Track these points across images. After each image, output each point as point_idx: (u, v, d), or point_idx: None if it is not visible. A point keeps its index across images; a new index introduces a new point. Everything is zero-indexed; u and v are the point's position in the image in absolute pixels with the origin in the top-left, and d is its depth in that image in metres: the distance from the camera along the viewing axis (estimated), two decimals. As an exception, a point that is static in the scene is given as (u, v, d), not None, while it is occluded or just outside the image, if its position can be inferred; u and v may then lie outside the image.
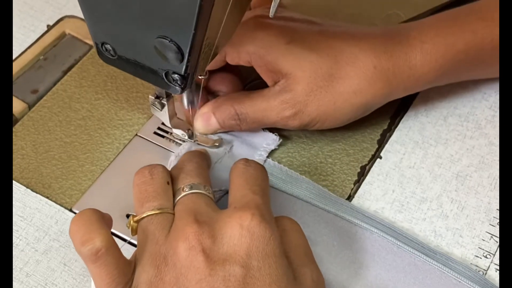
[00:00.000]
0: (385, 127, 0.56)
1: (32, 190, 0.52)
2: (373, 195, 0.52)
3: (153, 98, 0.51)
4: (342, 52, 0.50)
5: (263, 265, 0.39)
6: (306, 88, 0.49)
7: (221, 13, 0.42)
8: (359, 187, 0.53)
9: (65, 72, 0.60)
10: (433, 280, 0.46)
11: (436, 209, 0.51)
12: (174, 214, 0.43)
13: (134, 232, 0.44)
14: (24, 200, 0.52)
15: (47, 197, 0.52)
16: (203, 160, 0.49)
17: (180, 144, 0.54)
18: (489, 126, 0.56)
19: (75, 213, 0.51)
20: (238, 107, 0.51)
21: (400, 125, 0.56)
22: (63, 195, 0.52)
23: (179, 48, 0.42)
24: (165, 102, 0.51)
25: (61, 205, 0.51)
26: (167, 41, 0.41)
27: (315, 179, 0.53)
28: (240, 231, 0.39)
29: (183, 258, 0.39)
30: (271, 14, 0.45)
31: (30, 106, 0.58)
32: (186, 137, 0.53)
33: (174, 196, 0.44)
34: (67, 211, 0.51)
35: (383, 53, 0.50)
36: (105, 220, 0.41)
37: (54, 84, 0.59)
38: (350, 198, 0.52)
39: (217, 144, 0.52)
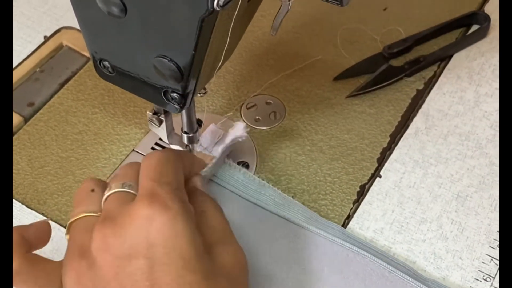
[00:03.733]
0: (385, 145, 0.56)
1: (27, 206, 0.51)
2: (372, 215, 0.51)
3: (151, 114, 0.51)
4: None
5: (171, 250, 0.38)
6: None
7: (223, 33, 0.41)
8: (358, 206, 0.52)
9: (62, 85, 0.60)
10: None
11: (436, 230, 0.51)
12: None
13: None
14: (18, 217, 0.51)
15: (42, 214, 0.51)
16: (136, 164, 0.46)
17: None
18: (490, 146, 0.55)
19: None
20: None
21: (400, 143, 0.56)
22: (59, 211, 0.51)
23: (178, 67, 0.41)
24: (163, 118, 0.51)
25: (57, 222, 0.51)
26: (167, 60, 0.41)
27: (314, 198, 0.52)
28: (140, 222, 0.39)
29: (95, 259, 0.39)
30: (272, 32, 0.45)
31: (26, 120, 0.57)
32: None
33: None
34: (62, 229, 0.50)
35: None
36: (25, 238, 0.41)
37: (51, 97, 0.59)
38: (349, 217, 0.51)
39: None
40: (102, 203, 0.43)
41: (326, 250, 0.48)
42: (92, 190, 0.44)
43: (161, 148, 0.55)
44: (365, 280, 0.47)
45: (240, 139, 0.53)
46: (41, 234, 0.43)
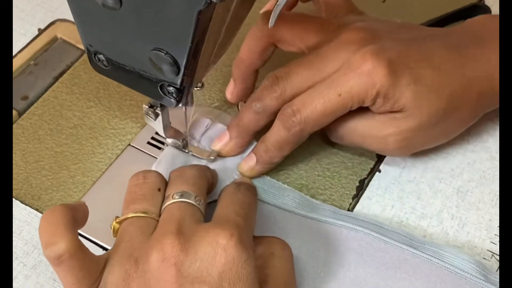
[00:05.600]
0: (385, 139, 0.55)
1: (21, 201, 0.51)
2: (372, 210, 0.51)
3: (147, 107, 0.50)
4: (454, 86, 0.48)
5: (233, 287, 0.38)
6: (419, 126, 0.48)
7: (220, 25, 0.41)
8: (357, 201, 0.51)
9: (56, 78, 0.59)
10: (424, 272, 0.46)
11: (437, 226, 0.50)
12: (158, 220, 0.42)
13: (115, 233, 0.43)
14: (13, 212, 0.50)
15: (37, 209, 0.50)
16: (205, 171, 0.47)
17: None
18: (491, 140, 0.55)
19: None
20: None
21: (400, 137, 0.55)
22: (53, 207, 0.51)
23: (175, 60, 0.40)
24: (159, 112, 0.50)
25: (51, 218, 0.50)
26: (163, 53, 0.40)
27: (312, 193, 0.52)
28: (215, 249, 0.38)
29: (154, 269, 0.38)
30: (270, 24, 0.44)
31: (20, 114, 0.56)
32: (181, 147, 0.52)
33: (163, 202, 0.43)
34: (57, 225, 0.49)
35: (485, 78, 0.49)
36: (76, 219, 0.40)
37: (45, 90, 0.58)
38: (348, 213, 0.51)
39: (212, 158, 0.51)
40: (165, 206, 0.42)
41: (319, 231, 0.48)
42: (159, 190, 0.44)
43: (158, 143, 0.54)
44: (362, 255, 0.47)
45: None
46: (84, 215, 0.41)
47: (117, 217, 0.43)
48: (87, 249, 0.40)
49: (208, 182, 0.46)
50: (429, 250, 0.47)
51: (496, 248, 0.49)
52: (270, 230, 0.48)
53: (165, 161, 0.52)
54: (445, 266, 0.46)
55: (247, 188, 0.46)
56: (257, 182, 0.51)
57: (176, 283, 0.37)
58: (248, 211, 0.43)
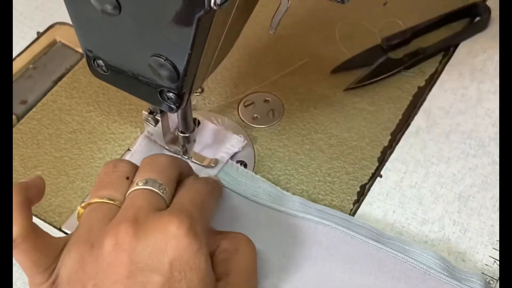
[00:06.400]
0: (386, 144, 0.54)
1: (20, 207, 0.50)
2: (373, 216, 0.50)
3: (147, 113, 0.49)
4: None
5: (184, 277, 0.38)
6: None
7: (220, 31, 0.40)
8: (358, 207, 0.51)
9: (55, 82, 0.58)
10: (389, 267, 0.46)
11: (438, 232, 0.50)
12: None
13: (79, 217, 0.43)
14: (11, 218, 0.50)
15: (36, 215, 0.50)
16: (176, 161, 0.46)
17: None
18: (493, 144, 0.54)
19: (65, 232, 0.49)
20: None
21: (401, 142, 0.54)
22: (52, 213, 0.50)
23: (174, 67, 0.40)
24: (159, 118, 0.49)
25: (50, 224, 0.50)
26: (162, 59, 0.40)
27: (313, 198, 0.51)
28: (166, 237, 0.38)
29: (107, 254, 0.38)
30: (272, 32, 0.43)
31: (18, 118, 0.56)
32: (181, 154, 0.52)
33: (129, 188, 0.43)
34: (56, 231, 0.49)
35: None
36: (29, 198, 0.40)
37: (44, 94, 0.57)
38: (349, 218, 0.50)
39: (213, 165, 0.51)
40: (128, 193, 0.42)
41: (288, 225, 0.48)
42: (127, 178, 0.44)
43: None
44: (329, 248, 0.47)
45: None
46: (39, 191, 0.41)
47: (83, 201, 0.43)
48: (42, 231, 0.40)
49: (179, 172, 0.45)
50: (395, 245, 0.47)
51: (498, 254, 0.48)
52: (239, 221, 0.48)
53: (139, 152, 0.52)
54: (409, 262, 0.46)
55: (206, 181, 0.46)
56: (230, 172, 0.51)
57: (127, 269, 0.38)
58: (205, 201, 0.43)
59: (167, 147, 0.52)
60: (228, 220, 0.48)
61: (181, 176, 0.45)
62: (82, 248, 0.39)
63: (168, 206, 0.42)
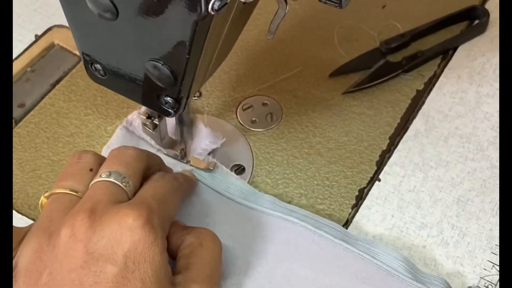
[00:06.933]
0: (384, 148, 0.54)
1: (17, 211, 0.50)
2: (372, 220, 0.50)
3: (145, 118, 0.49)
4: None
5: (138, 268, 0.38)
6: None
7: (217, 36, 0.40)
8: (357, 211, 0.51)
9: (53, 85, 0.58)
10: (354, 267, 0.46)
11: (437, 236, 0.49)
12: None
13: (41, 207, 0.43)
14: (9, 223, 0.49)
15: (34, 220, 0.50)
16: (144, 154, 0.46)
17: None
18: (491, 148, 0.54)
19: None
20: None
21: (400, 146, 0.54)
22: (50, 217, 0.50)
23: (172, 71, 0.40)
24: (157, 123, 0.49)
25: (48, 228, 0.49)
26: (160, 64, 0.40)
27: (311, 202, 0.51)
28: (122, 229, 0.38)
29: (63, 243, 0.39)
30: (269, 35, 0.43)
31: (16, 121, 0.56)
32: (179, 158, 0.52)
33: (92, 179, 0.43)
34: (53, 235, 0.49)
35: None
36: None
37: (42, 97, 0.57)
38: (348, 223, 0.50)
39: (211, 168, 0.50)
40: (91, 184, 0.42)
41: (258, 222, 0.49)
42: (91, 170, 0.44)
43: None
44: (297, 247, 0.47)
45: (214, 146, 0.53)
46: None
47: (46, 191, 0.44)
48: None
49: (146, 166, 0.45)
50: (361, 246, 0.47)
51: (497, 259, 0.48)
52: (210, 216, 0.49)
53: (116, 143, 0.52)
54: (375, 263, 0.46)
55: (174, 177, 0.46)
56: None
57: (81, 258, 0.38)
58: (168, 197, 0.43)
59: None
60: (200, 215, 0.48)
61: (149, 171, 0.45)
62: (41, 238, 0.40)
63: (129, 199, 0.42)
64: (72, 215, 0.39)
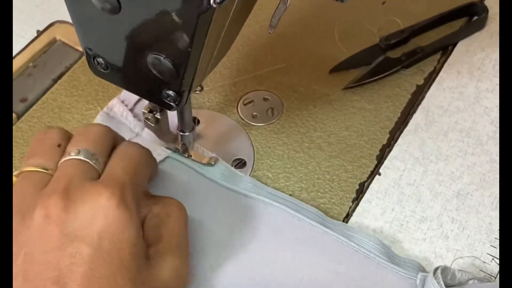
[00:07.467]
0: (384, 142, 0.55)
1: (20, 205, 0.50)
2: (372, 213, 0.51)
3: (147, 112, 0.50)
4: None
5: (114, 248, 0.38)
6: None
7: (219, 30, 0.40)
8: (357, 205, 0.51)
9: (55, 80, 0.59)
10: (332, 250, 0.47)
11: (437, 229, 0.50)
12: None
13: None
14: (11, 216, 0.50)
15: (36, 213, 0.50)
16: (110, 131, 0.46)
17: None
18: (491, 142, 0.54)
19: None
20: None
21: (400, 140, 0.55)
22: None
23: (174, 65, 0.40)
24: (159, 117, 0.49)
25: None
26: (162, 57, 0.40)
27: (312, 196, 0.51)
28: (96, 209, 0.38)
29: (37, 225, 0.38)
30: (270, 30, 0.44)
31: (19, 116, 0.56)
32: (180, 152, 0.52)
33: (61, 158, 0.43)
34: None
35: None
36: None
37: (44, 92, 0.58)
38: (348, 216, 0.51)
39: (212, 163, 0.51)
40: (60, 162, 0.42)
41: (237, 204, 0.49)
42: (59, 145, 0.43)
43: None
44: (276, 229, 0.48)
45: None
46: None
47: (15, 170, 0.43)
48: None
49: (113, 142, 0.45)
50: (339, 230, 0.48)
51: (496, 252, 0.49)
52: (190, 196, 0.49)
53: None
54: (351, 246, 0.47)
55: (140, 147, 0.45)
56: None
57: (57, 240, 0.38)
58: (138, 168, 0.43)
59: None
60: (181, 194, 0.48)
61: (114, 147, 0.45)
62: (14, 218, 0.39)
63: (100, 176, 0.42)
64: (45, 196, 0.39)
